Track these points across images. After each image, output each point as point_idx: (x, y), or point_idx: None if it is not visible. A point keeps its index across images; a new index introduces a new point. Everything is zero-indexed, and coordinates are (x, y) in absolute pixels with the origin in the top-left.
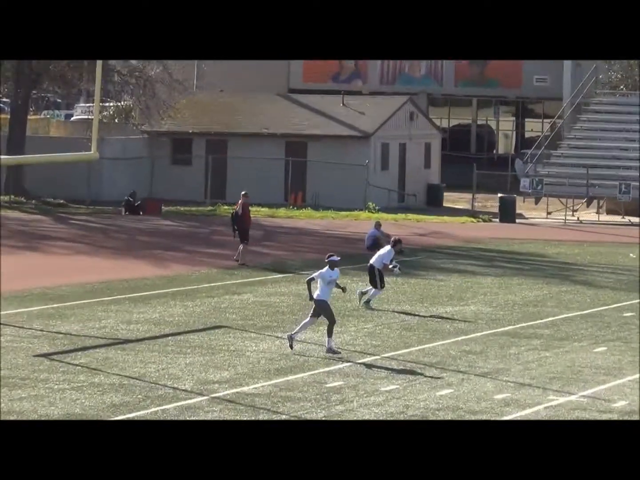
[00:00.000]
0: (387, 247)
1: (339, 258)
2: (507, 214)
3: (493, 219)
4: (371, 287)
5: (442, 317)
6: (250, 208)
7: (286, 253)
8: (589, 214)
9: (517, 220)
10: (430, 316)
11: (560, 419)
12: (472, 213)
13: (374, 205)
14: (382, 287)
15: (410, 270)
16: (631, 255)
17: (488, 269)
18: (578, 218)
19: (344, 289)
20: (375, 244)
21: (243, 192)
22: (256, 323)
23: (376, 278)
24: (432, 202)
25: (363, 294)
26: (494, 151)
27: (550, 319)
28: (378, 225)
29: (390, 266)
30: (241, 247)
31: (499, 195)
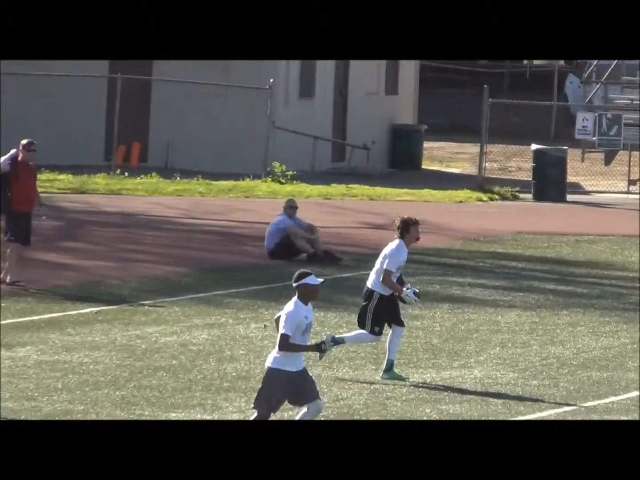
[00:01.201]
0: (395, 242)
1: (321, 280)
2: (549, 184)
3: (521, 194)
4: (357, 330)
5: (418, 388)
6: (37, 174)
7: (108, 264)
8: None
9: (569, 197)
10: (395, 387)
11: None
12: (479, 182)
13: (282, 168)
14: (379, 333)
15: (356, 299)
16: None
17: (510, 294)
18: None
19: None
20: (285, 245)
21: (24, 142)
22: (42, 406)
23: (367, 312)
24: (402, 162)
25: (335, 342)
26: (524, 60)
27: (636, 393)
28: (291, 207)
29: (405, 292)
30: (10, 251)
31: (534, 146)
